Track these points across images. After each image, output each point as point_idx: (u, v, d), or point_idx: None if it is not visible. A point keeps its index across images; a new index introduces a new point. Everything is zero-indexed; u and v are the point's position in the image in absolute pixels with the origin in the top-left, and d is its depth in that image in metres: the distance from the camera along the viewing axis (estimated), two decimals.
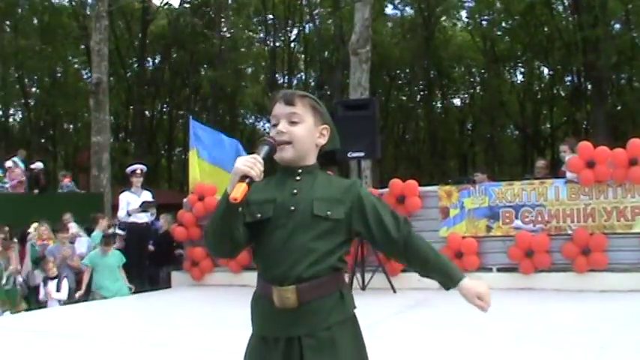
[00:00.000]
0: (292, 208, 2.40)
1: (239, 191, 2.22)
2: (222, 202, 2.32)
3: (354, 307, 2.50)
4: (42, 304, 10.22)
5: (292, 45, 40.36)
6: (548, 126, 40.10)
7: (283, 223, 2.39)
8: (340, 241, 2.44)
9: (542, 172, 11.46)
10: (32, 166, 17.62)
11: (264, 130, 46.89)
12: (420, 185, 9.98)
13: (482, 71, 38.52)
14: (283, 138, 2.43)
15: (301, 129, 2.46)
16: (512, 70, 38.70)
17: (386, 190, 10.00)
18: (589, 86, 31.62)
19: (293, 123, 2.46)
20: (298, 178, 2.46)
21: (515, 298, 8.39)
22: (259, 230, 2.42)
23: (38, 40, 33.74)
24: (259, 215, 2.41)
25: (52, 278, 10.19)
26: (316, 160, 2.55)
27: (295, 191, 2.43)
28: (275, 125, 2.48)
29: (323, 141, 2.54)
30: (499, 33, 35.96)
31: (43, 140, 38.54)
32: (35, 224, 12.33)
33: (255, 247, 2.48)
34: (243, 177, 2.25)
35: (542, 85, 38.24)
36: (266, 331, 2.43)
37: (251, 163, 2.26)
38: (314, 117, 2.51)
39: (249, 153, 2.40)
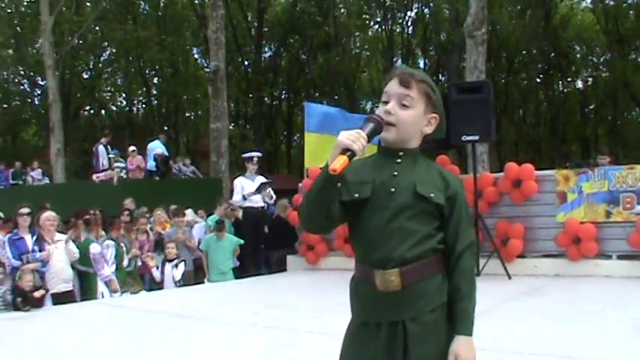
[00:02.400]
0: (392, 189, 2.35)
1: (339, 163, 2.19)
2: (321, 174, 2.28)
3: None
4: (159, 286, 10.56)
5: (409, 28, 40.02)
6: None
7: (384, 204, 2.35)
8: (438, 225, 2.39)
9: None
10: (155, 153, 18.15)
11: None
12: (540, 169, 9.76)
13: (606, 52, 37.14)
14: (389, 119, 2.38)
15: (410, 114, 2.40)
16: (637, 50, 37.10)
17: (501, 174, 9.83)
18: None
19: (403, 106, 2.39)
20: (399, 160, 2.41)
21: (635, 287, 8.11)
22: (356, 212, 2.37)
23: (158, 31, 34.71)
24: (357, 195, 2.36)
25: (170, 260, 10.51)
26: (419, 145, 2.49)
27: (396, 173, 2.39)
28: (385, 102, 2.43)
29: (429, 130, 2.48)
30: (624, 12, 34.52)
31: (165, 128, 39.70)
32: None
33: (352, 230, 2.44)
34: (345, 150, 2.21)
35: None
36: (368, 316, 2.40)
37: (354, 137, 2.22)
38: (426, 104, 2.44)
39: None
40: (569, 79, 39.29)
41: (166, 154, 18.67)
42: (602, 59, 38.65)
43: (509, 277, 8.99)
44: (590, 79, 40.31)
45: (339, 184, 2.29)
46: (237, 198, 12.29)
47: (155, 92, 39.85)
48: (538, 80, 38.89)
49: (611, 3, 34.52)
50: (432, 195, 2.34)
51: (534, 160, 10.79)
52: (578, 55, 39.75)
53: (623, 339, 5.41)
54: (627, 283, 8.36)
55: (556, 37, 35.19)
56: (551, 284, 8.56)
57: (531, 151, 37.52)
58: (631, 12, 34.60)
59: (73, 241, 9.39)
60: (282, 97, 42.50)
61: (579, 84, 40.89)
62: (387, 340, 2.32)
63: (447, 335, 2.35)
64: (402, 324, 2.32)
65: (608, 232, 9.12)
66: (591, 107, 41.31)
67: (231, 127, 30.24)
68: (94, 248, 9.70)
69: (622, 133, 37.63)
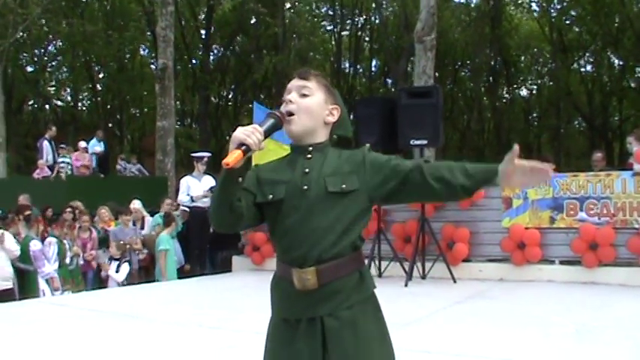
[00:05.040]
0: (305, 187, 2.39)
1: (232, 157, 2.22)
2: (222, 173, 2.31)
3: (374, 287, 2.49)
4: (100, 285, 10.43)
5: (359, 33, 40.22)
6: (617, 118, 39.21)
7: (297, 203, 2.38)
8: (358, 211, 2.40)
9: (599, 164, 11.24)
10: (91, 151, 17.90)
11: None
12: None
13: (550, 61, 37.81)
14: (290, 107, 2.45)
15: (310, 101, 2.47)
16: (580, 61, 37.86)
17: None
18: None
19: (303, 95, 2.47)
20: (309, 156, 2.45)
21: (577, 292, 8.27)
22: (274, 212, 2.42)
23: (104, 26, 34.21)
24: (271, 196, 2.41)
25: (115, 259, 10.39)
26: (327, 139, 2.52)
27: (307, 170, 2.42)
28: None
29: (332, 119, 2.51)
30: (568, 22, 35.19)
31: (110, 125, 39.17)
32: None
33: (271, 229, 2.48)
34: (240, 145, 2.24)
35: (612, 76, 37.31)
36: (287, 313, 2.44)
37: (249, 132, 2.26)
38: (325, 94, 2.52)
39: None
40: (514, 87, 39.85)
41: (104, 151, 18.44)
42: (546, 68, 39.31)
43: (455, 281, 9.09)
44: (534, 87, 41.01)
45: (239, 178, 2.31)
46: (182, 197, 12.21)
47: (100, 88, 39.29)
48: (483, 88, 39.42)
49: (555, 13, 35.13)
50: (343, 187, 2.37)
51: None
52: (523, 64, 40.37)
53: (566, 343, 5.51)
54: (569, 288, 8.53)
55: (502, 46, 35.68)
56: (496, 288, 8.68)
57: (475, 157, 37.94)
58: (570, 22, 35.24)
59: (14, 237, 9.22)
60: (229, 96, 42.33)
61: (524, 92, 41.58)
62: (306, 336, 2.36)
63: (367, 332, 2.38)
64: (320, 320, 2.36)
65: (551, 237, 9.29)
66: (535, 115, 42.03)
67: (176, 126, 29.95)
68: (35, 245, 9.55)
69: (564, 142, 38.32)
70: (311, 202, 2.37)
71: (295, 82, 2.51)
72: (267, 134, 2.33)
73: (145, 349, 5.54)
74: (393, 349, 2.47)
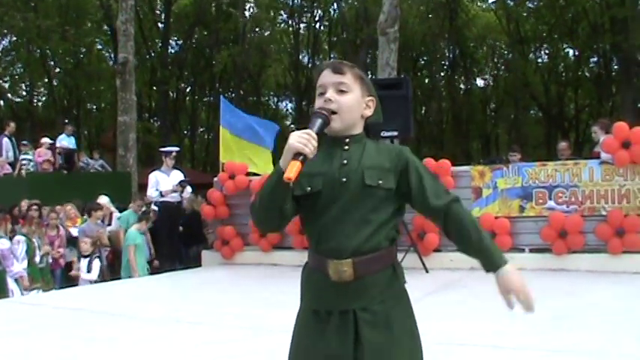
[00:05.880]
0: (344, 179, 2.37)
1: (293, 170, 2.19)
2: (273, 177, 2.29)
3: (405, 282, 2.49)
4: (74, 282, 10.30)
5: (317, 25, 40.22)
6: (573, 108, 39.80)
7: (336, 195, 2.36)
8: (394, 209, 2.42)
9: (565, 153, 11.43)
10: (58, 146, 17.66)
11: (287, 110, 46.88)
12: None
13: (507, 52, 38.22)
14: (331, 107, 2.40)
15: (349, 98, 2.43)
16: (537, 51, 38.31)
17: None
18: (615, 68, 31.32)
19: (341, 92, 2.43)
20: (346, 147, 2.44)
21: (548, 279, 8.38)
22: (309, 204, 2.39)
23: (59, 21, 33.63)
24: (309, 189, 2.38)
25: (85, 257, 10.26)
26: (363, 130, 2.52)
27: (345, 162, 2.41)
28: (322, 94, 2.45)
29: (369, 112, 2.51)
30: (525, 13, 35.58)
31: (67, 120, 38.64)
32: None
33: (306, 221, 2.46)
34: (297, 154, 2.21)
35: (567, 66, 37.86)
36: (319, 304, 2.41)
37: (305, 140, 2.23)
38: (361, 88, 2.49)
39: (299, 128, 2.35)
40: (471, 78, 40.19)
41: (71, 147, 18.18)
42: (503, 59, 39.71)
43: (427, 271, 9.15)
44: (491, 78, 41.40)
45: (290, 184, 2.28)
46: (151, 192, 12.12)
47: (57, 83, 38.71)
48: (442, 79, 39.75)
49: (512, 5, 35.46)
50: (380, 182, 2.37)
51: (437, 156, 10.97)
52: (480, 55, 40.71)
53: (544, 328, 5.57)
54: (540, 276, 8.61)
55: (460, 37, 35.96)
56: (468, 277, 8.73)
57: (434, 147, 38.22)
58: (526, 13, 35.59)
59: None
60: (187, 90, 42.07)
61: (481, 83, 41.96)
62: (338, 329, 2.34)
63: (400, 327, 2.38)
64: (353, 313, 2.34)
65: (521, 226, 9.41)
66: (493, 106, 42.45)
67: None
68: (3, 244, 9.40)
69: (522, 132, 38.76)
70: (349, 193, 2.36)
71: (330, 78, 2.46)
72: (319, 135, 2.30)
73: (128, 347, 5.49)
74: (421, 344, 2.49)
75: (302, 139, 2.22)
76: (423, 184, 2.41)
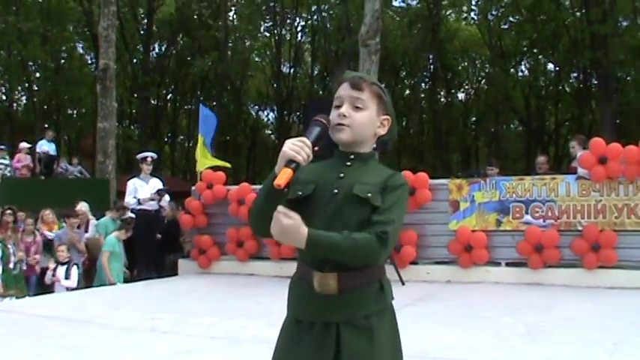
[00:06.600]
0: (335, 191, 2.38)
1: (283, 177, 2.18)
2: (267, 183, 2.28)
3: (392, 298, 2.48)
4: (49, 289, 10.21)
5: (299, 35, 40.29)
6: (553, 122, 40.05)
7: (325, 205, 2.37)
8: None
9: (544, 167, 11.51)
10: (38, 151, 17.55)
11: (268, 119, 46.84)
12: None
13: (488, 66, 38.42)
14: (344, 122, 2.41)
15: (363, 116, 2.43)
16: (517, 66, 38.55)
17: None
18: (594, 83, 31.55)
19: (357, 108, 2.43)
20: (349, 163, 2.44)
21: (523, 293, 8.44)
22: (300, 210, 2.34)
23: (41, 24, 33.42)
24: (300, 193, 2.39)
25: (63, 264, 10.16)
26: (372, 149, 2.52)
27: (342, 175, 2.41)
28: (338, 107, 2.45)
29: (383, 131, 2.51)
30: (505, 27, 35.81)
31: (47, 125, 38.39)
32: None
33: None
34: (290, 162, 2.21)
35: (548, 81, 38.10)
36: (302, 314, 2.41)
37: (298, 147, 2.23)
38: (378, 106, 2.48)
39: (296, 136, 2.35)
40: (452, 91, 40.35)
41: (51, 153, 18.04)
42: (484, 73, 39.93)
43: (403, 284, 9.11)
44: (472, 91, 41.59)
45: (284, 190, 2.27)
46: (129, 200, 12.04)
47: (37, 88, 38.46)
48: (423, 91, 39.88)
49: (493, 19, 35.69)
50: (369, 195, 2.34)
51: (417, 169, 11.01)
52: (461, 68, 40.90)
53: (518, 342, 5.61)
54: (516, 290, 8.69)
55: (442, 50, 36.11)
56: (444, 290, 8.78)
57: (414, 159, 38.32)
58: (507, 27, 35.84)
59: None
60: (168, 98, 41.96)
61: (462, 96, 42.10)
62: (319, 340, 2.33)
63: (382, 343, 2.36)
64: (336, 326, 2.33)
65: (498, 240, 9.45)
66: (473, 119, 42.62)
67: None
68: None
69: (502, 145, 38.97)
70: (338, 204, 2.36)
71: (348, 92, 2.46)
72: (315, 144, 2.29)
73: (101, 356, 5.44)
74: None
75: (295, 147, 2.23)
76: (386, 205, 2.35)
